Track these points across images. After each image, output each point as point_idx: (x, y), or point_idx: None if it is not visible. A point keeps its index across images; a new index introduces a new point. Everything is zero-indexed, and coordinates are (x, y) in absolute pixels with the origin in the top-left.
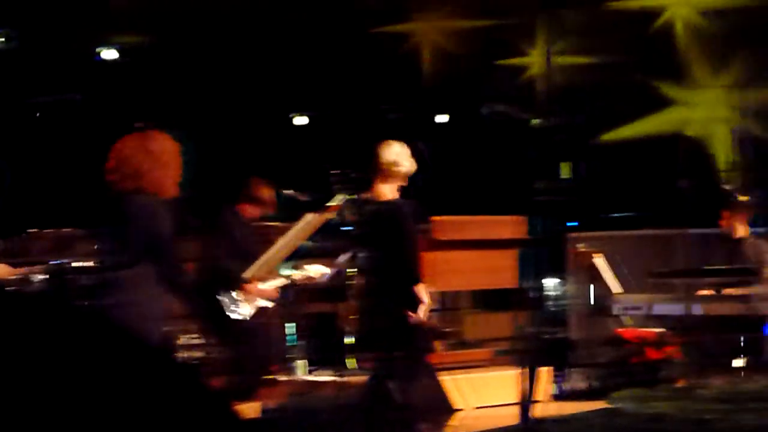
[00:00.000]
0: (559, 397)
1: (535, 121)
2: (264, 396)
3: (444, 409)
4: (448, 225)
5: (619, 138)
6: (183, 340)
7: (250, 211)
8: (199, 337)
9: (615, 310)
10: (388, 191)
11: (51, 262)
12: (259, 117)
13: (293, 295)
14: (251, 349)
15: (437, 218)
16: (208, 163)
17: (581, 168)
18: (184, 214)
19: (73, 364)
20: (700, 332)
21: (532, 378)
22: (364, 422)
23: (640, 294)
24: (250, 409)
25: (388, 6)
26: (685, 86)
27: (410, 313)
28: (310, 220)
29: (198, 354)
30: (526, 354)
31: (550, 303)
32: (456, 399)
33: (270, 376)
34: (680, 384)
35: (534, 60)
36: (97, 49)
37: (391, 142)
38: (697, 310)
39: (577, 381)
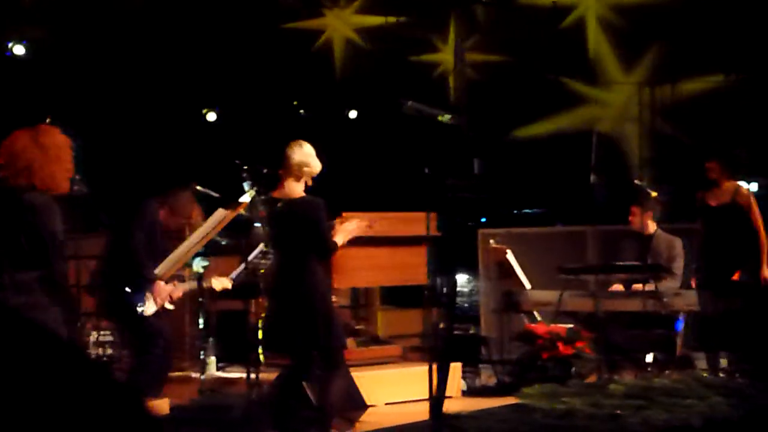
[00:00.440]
0: (470, 393)
1: (447, 118)
2: (173, 393)
3: (356, 405)
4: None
5: (531, 135)
6: (93, 337)
7: (168, 219)
8: (109, 335)
9: (526, 306)
10: (297, 189)
11: None
12: (171, 113)
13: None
14: (155, 346)
15: (347, 214)
16: (119, 159)
17: (492, 165)
18: (96, 209)
19: None
20: (611, 328)
21: (442, 374)
22: (273, 418)
23: (551, 290)
24: (159, 406)
25: (300, 2)
26: (597, 83)
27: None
28: (220, 215)
29: (109, 351)
30: (437, 350)
31: (461, 299)
32: (367, 395)
33: (179, 373)
34: (591, 380)
35: (446, 57)
36: (8, 44)
37: (301, 141)
38: (608, 305)
39: (487, 377)
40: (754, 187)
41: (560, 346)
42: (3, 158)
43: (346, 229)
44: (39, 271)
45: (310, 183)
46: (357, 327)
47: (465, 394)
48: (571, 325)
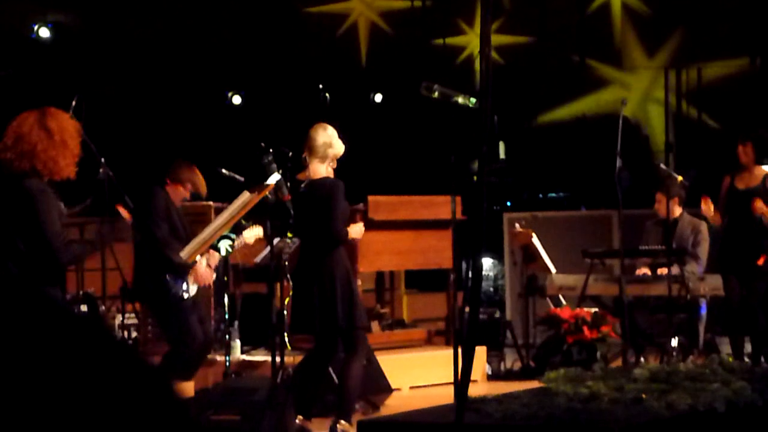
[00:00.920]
0: (495, 377)
1: (472, 102)
2: (198, 376)
3: (381, 388)
4: (384, 205)
5: (556, 119)
6: (118, 320)
7: (179, 192)
8: (134, 317)
9: (550, 290)
10: (320, 171)
11: None
12: (194, 97)
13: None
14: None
15: (373, 198)
16: (144, 143)
17: (517, 149)
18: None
19: (8, 348)
20: (636, 313)
21: (467, 358)
22: (297, 402)
23: (576, 274)
24: (184, 389)
25: None
26: (622, 67)
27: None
28: (245, 198)
29: (134, 334)
30: (462, 334)
31: (486, 283)
32: (392, 379)
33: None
34: (616, 364)
35: (471, 39)
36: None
37: (324, 124)
38: (633, 290)
39: (512, 361)
40: None
41: (585, 330)
42: (9, 138)
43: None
44: (39, 258)
45: (334, 165)
46: (382, 311)
47: (490, 378)
48: (596, 310)
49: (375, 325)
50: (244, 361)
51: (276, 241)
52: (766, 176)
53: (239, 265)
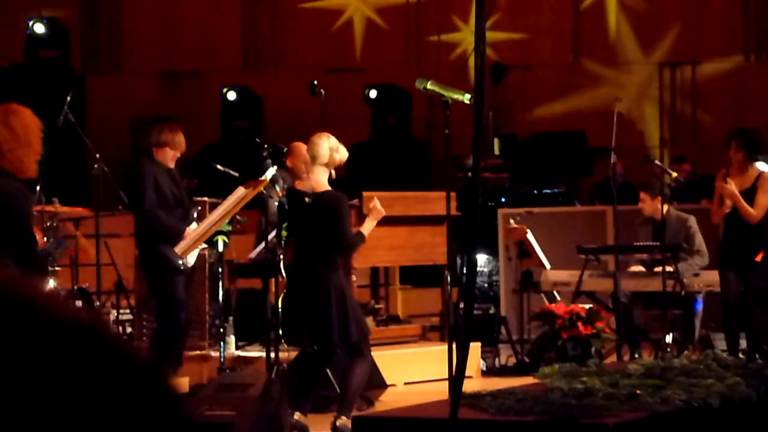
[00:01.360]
0: (489, 372)
1: (467, 98)
2: (193, 371)
3: (376, 384)
4: (378, 201)
5: (551, 115)
6: (113, 315)
7: (167, 155)
8: (129, 313)
9: (545, 286)
10: (322, 180)
11: None
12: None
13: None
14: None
15: (367, 194)
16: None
17: (511, 144)
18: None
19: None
20: (630, 308)
21: (462, 354)
22: (291, 397)
23: (571, 270)
24: (178, 384)
25: None
26: (616, 64)
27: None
28: (240, 194)
29: (128, 329)
30: (456, 330)
31: (481, 279)
32: (386, 375)
33: (198, 352)
34: (610, 360)
35: (466, 36)
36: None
37: (325, 133)
38: (627, 286)
39: (507, 357)
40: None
41: (580, 326)
42: None
43: (372, 214)
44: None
45: (335, 176)
46: (376, 306)
47: (484, 373)
48: (590, 305)
49: (369, 321)
50: (238, 356)
51: (271, 236)
52: (759, 175)
53: (234, 261)
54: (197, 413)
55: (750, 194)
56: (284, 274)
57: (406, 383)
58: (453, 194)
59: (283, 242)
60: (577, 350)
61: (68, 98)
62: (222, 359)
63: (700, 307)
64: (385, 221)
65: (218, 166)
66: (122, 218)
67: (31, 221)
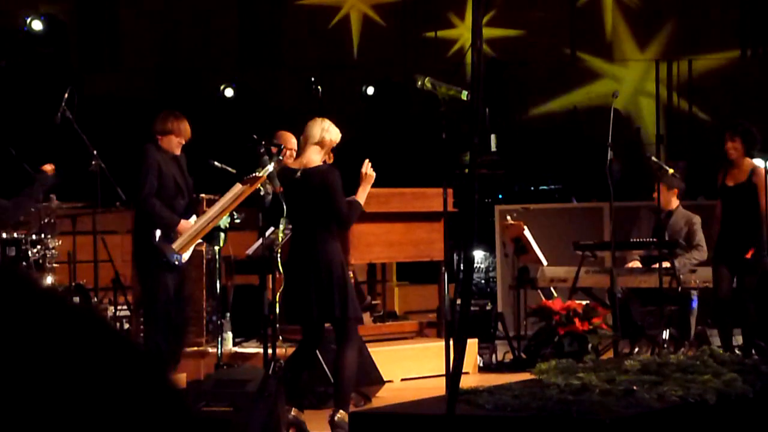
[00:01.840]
0: (486, 368)
1: (464, 94)
2: (190, 367)
3: (373, 380)
4: (376, 197)
5: (547, 111)
6: (110, 311)
7: (172, 142)
8: (127, 309)
9: (542, 282)
10: (315, 159)
11: None
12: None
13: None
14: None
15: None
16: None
17: (508, 141)
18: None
19: None
20: (627, 304)
21: (459, 350)
22: (288, 393)
23: (567, 266)
24: (176, 380)
25: None
26: (612, 60)
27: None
28: (237, 190)
29: (126, 326)
30: (453, 326)
31: (478, 275)
32: (383, 371)
33: (195, 348)
34: (607, 356)
35: (462, 32)
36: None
37: (319, 118)
38: (624, 282)
39: (504, 353)
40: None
41: (576, 322)
42: None
43: (364, 181)
44: None
45: (331, 159)
46: (373, 303)
47: (481, 369)
48: (587, 301)
49: (366, 317)
50: (235, 352)
51: (268, 232)
52: (753, 170)
53: (231, 257)
54: (195, 409)
55: (745, 188)
56: (281, 271)
57: (403, 379)
58: (450, 191)
59: (281, 238)
60: (573, 346)
61: (66, 95)
62: (219, 355)
63: (695, 303)
64: (382, 217)
65: (215, 163)
66: (119, 215)
67: None
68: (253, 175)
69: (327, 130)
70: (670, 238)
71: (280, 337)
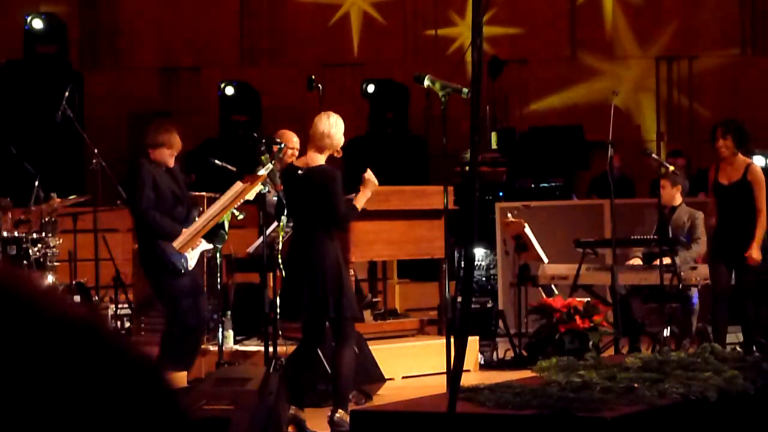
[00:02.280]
0: (487, 366)
1: (465, 92)
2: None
3: (374, 378)
4: (376, 195)
5: (547, 108)
6: (111, 310)
7: (164, 155)
8: (128, 307)
9: (543, 280)
10: (317, 159)
11: None
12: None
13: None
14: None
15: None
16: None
17: (509, 138)
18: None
19: None
20: (628, 302)
21: (460, 347)
22: (289, 392)
23: (568, 263)
24: (176, 379)
25: None
26: (613, 57)
27: None
28: (238, 189)
29: (127, 324)
30: (454, 323)
31: (479, 273)
32: (384, 369)
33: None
34: (608, 353)
35: (463, 30)
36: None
37: (331, 113)
38: (625, 279)
39: (504, 350)
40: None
41: (577, 319)
42: None
43: (365, 186)
44: None
45: (339, 154)
46: (374, 300)
47: (482, 367)
48: (588, 299)
49: (367, 315)
50: (236, 350)
51: (269, 230)
52: (748, 167)
53: (232, 255)
54: (195, 407)
55: (740, 187)
56: (282, 269)
57: (404, 377)
58: (450, 188)
59: (281, 236)
60: (574, 344)
61: (66, 93)
62: (220, 353)
63: (696, 300)
64: (382, 215)
65: (216, 161)
66: (120, 213)
67: None
68: (254, 173)
69: (329, 136)
70: (673, 233)
71: (281, 335)
